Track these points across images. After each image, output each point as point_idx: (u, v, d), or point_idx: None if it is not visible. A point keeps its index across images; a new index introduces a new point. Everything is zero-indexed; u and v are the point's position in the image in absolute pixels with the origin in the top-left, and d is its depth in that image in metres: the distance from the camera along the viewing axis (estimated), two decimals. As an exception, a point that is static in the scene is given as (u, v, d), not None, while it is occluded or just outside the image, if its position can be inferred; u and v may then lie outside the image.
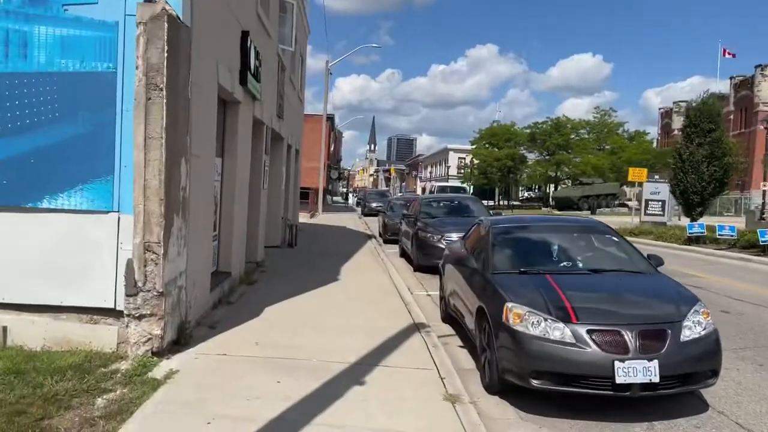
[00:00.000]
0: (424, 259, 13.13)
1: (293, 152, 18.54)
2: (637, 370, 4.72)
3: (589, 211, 52.34)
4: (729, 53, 68.82)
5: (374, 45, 42.87)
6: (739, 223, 26.74)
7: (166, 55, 5.60)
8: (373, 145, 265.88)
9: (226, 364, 5.73)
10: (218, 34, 7.64)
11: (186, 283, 6.35)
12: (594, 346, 4.85)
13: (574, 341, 4.91)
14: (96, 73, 5.77)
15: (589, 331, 4.93)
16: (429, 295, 10.76)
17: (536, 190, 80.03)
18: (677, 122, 75.82)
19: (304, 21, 19.23)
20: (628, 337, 4.87)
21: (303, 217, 28.90)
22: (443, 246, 12.57)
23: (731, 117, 60.96)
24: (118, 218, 5.76)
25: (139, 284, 5.64)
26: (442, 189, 32.31)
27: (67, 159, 5.78)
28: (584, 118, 68.84)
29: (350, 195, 73.31)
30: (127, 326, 5.72)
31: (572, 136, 65.23)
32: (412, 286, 11.45)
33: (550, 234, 7.03)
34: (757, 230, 18.88)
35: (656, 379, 4.72)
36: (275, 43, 12.79)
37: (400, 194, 61.28)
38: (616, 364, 4.74)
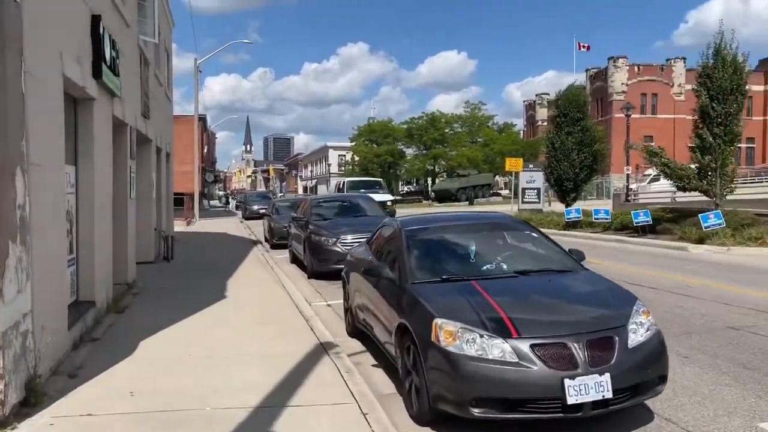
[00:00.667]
0: (319, 265, 12.21)
1: (163, 155, 16.84)
2: (588, 387, 4.15)
3: (467, 202, 53.85)
4: (583, 46, 73.95)
5: (245, 41, 40.81)
6: (605, 206, 28.24)
7: (-17, 34, 4.28)
8: (249, 146, 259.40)
9: (93, 428, 4.51)
10: (61, 18, 6.25)
11: (33, 327, 5.02)
12: (540, 364, 4.22)
13: (516, 360, 4.25)
14: None
15: (532, 347, 4.29)
16: (329, 305, 9.88)
17: (416, 184, 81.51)
18: (541, 113, 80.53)
19: (167, 11, 17.52)
20: (576, 349, 4.29)
21: (179, 226, 26.82)
22: (340, 249, 11.81)
23: (588, 106, 65.38)
24: (-72, 252, 4.35)
25: (-36, 337, 4.28)
26: (354, 185, 29.96)
27: None
28: (456, 113, 70.97)
29: (229, 198, 70.22)
30: (-50, 393, 4.33)
31: (447, 131, 66.90)
32: (310, 296, 10.51)
33: (465, 234, 6.38)
34: (631, 212, 19.84)
35: (609, 395, 4.18)
36: (135, 34, 11.26)
37: (280, 194, 59.65)
38: (566, 382, 4.13)
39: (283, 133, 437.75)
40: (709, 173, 18.18)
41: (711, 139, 17.93)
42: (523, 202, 30.68)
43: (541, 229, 21.43)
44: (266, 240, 21.37)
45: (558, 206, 31.96)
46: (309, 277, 12.63)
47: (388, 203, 28.29)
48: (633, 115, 35.89)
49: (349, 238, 12.02)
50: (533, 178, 30.99)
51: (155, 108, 14.89)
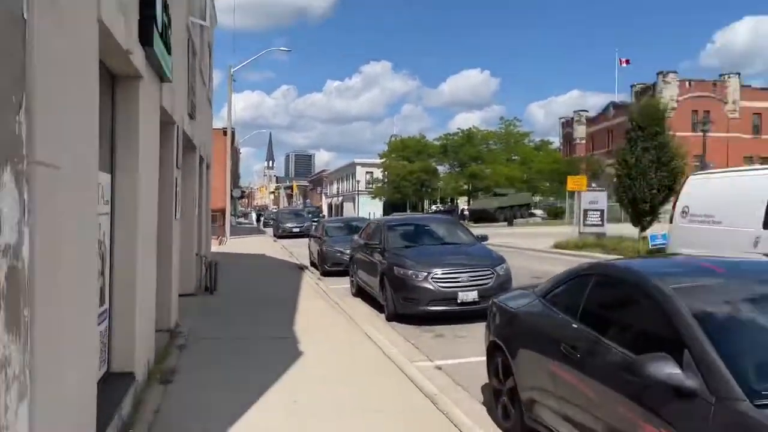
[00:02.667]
0: (404, 306, 9.68)
1: (204, 167, 14.53)
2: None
3: (506, 222, 51.14)
4: (624, 61, 71.21)
5: (282, 48, 38.95)
6: (663, 229, 25.46)
7: None
8: (271, 162, 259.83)
9: None
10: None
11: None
12: None
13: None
14: None
15: None
16: (439, 367, 7.31)
17: (447, 203, 78.82)
18: (579, 131, 77.70)
19: (212, 2, 15.34)
20: None
21: (212, 245, 24.54)
22: (432, 287, 9.32)
23: (666, 119, 62.34)
24: None
25: None
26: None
27: None
28: (491, 129, 68.35)
29: (261, 216, 68.00)
30: None
31: (482, 147, 64.31)
32: (406, 351, 7.96)
33: None
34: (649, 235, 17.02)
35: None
36: (185, 10, 8.96)
37: (321, 214, 56.98)
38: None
39: (304, 150, 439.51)
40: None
41: None
42: (584, 225, 27.89)
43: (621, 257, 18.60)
44: (313, 264, 18.93)
45: (624, 228, 29.17)
46: (388, 320, 10.08)
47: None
48: (683, 133, 32.82)
49: (439, 272, 9.53)
50: (596, 199, 28.21)
51: (199, 110, 12.62)
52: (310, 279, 15.20)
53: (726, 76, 56.82)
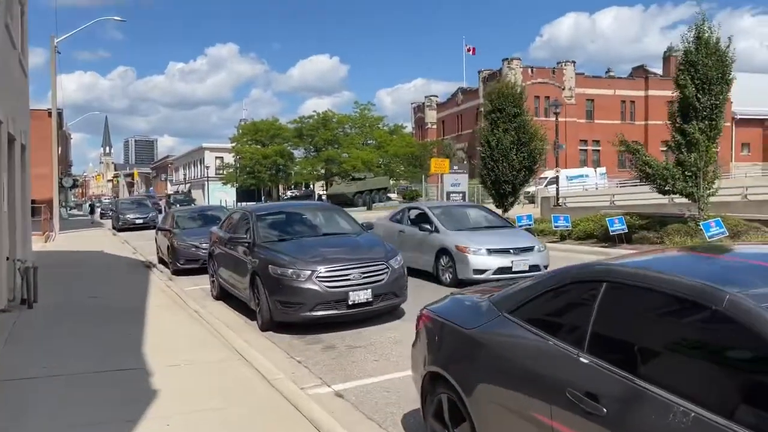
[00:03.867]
0: (283, 313, 7.99)
1: (17, 148, 11.63)
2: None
3: (365, 207, 50.64)
4: (470, 49, 73.74)
5: (116, 18, 33.93)
6: (528, 211, 26.24)
7: None
8: (108, 148, 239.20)
9: None
10: None
11: None
12: None
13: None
14: None
15: None
16: (341, 394, 5.79)
17: (302, 188, 76.78)
18: (430, 116, 79.42)
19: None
20: None
21: (35, 243, 20.80)
22: (319, 289, 7.81)
23: (481, 109, 64.68)
24: None
25: None
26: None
27: None
28: (346, 113, 67.43)
29: (95, 206, 61.11)
30: None
31: (339, 131, 63.17)
32: (292, 372, 6.35)
33: None
34: (606, 219, 17.30)
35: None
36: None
37: (158, 199, 51.96)
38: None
39: (145, 135, 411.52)
40: (694, 173, 16.03)
41: (698, 135, 15.78)
42: (448, 207, 27.73)
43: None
44: (162, 261, 16.46)
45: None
46: (264, 329, 8.35)
47: None
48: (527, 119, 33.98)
49: (327, 269, 7.99)
50: (458, 181, 28.18)
51: (5, 78, 9.88)
52: (160, 280, 12.91)
53: (563, 64, 60.59)
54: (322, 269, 7.98)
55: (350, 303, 7.88)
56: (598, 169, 51.59)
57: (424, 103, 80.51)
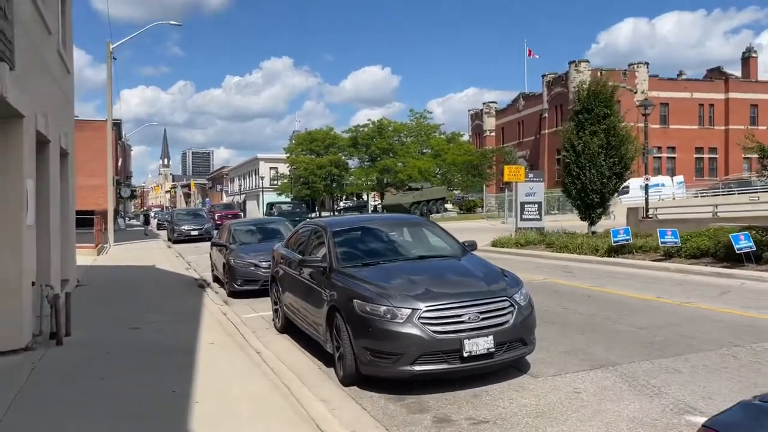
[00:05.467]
0: (374, 365, 5.91)
1: (55, 152, 10.06)
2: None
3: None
4: (533, 54, 70.94)
5: (173, 23, 33.23)
6: (616, 225, 23.57)
7: None
8: (166, 159, 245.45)
9: None
10: None
11: None
12: None
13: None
14: None
15: None
16: None
17: (354, 199, 75.16)
18: (488, 123, 76.77)
19: None
20: None
21: (86, 256, 19.59)
22: (420, 333, 5.77)
23: (545, 115, 61.74)
24: None
25: None
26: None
27: None
28: (402, 122, 65.60)
29: (149, 217, 61.02)
30: None
31: (394, 140, 61.36)
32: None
33: None
34: (729, 235, 14.63)
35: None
36: None
37: (209, 209, 50.61)
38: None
39: (202, 147, 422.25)
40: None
41: None
42: (522, 219, 25.35)
43: (572, 256, 16.20)
44: (216, 280, 14.77)
45: (562, 221, 26.88)
46: (346, 383, 6.32)
47: None
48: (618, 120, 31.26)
49: (432, 307, 5.88)
50: (533, 190, 25.77)
51: (35, 66, 8.28)
52: (214, 304, 11.14)
53: (635, 65, 57.08)
54: (424, 307, 5.90)
55: (465, 354, 5.74)
56: (675, 178, 48.00)
57: (482, 110, 77.96)
